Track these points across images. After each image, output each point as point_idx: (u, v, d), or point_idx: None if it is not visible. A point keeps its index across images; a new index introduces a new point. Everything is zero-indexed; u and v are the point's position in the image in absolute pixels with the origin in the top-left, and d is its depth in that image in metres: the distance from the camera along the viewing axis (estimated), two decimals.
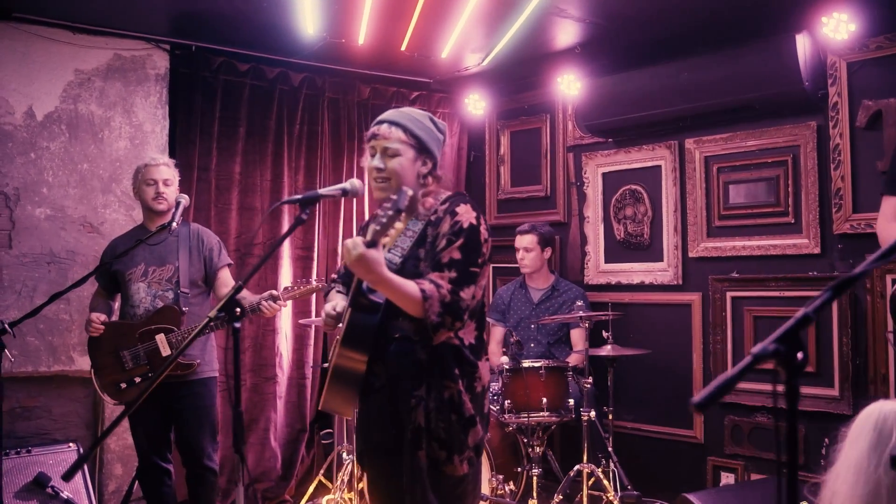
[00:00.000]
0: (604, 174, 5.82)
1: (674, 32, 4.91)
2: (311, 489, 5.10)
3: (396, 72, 6.25)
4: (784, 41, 4.49)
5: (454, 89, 6.59)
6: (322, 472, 5.17)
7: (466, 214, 2.55)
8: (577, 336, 5.33)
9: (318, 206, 5.85)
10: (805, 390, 4.70)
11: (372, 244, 2.26)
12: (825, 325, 4.62)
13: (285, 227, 5.62)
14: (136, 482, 4.22)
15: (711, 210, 5.20)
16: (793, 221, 4.81)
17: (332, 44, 5.29)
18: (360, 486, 4.54)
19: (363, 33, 5.13)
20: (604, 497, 4.59)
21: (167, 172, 4.15)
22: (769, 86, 4.61)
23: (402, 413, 2.52)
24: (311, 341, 5.71)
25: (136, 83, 5.11)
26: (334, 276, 3.03)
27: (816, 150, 4.70)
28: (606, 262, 5.82)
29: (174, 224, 3.87)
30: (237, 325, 2.35)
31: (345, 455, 4.86)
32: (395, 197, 2.23)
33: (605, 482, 4.59)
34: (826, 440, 4.60)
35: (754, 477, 4.93)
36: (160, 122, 5.20)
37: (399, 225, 2.20)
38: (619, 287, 5.69)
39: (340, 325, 2.66)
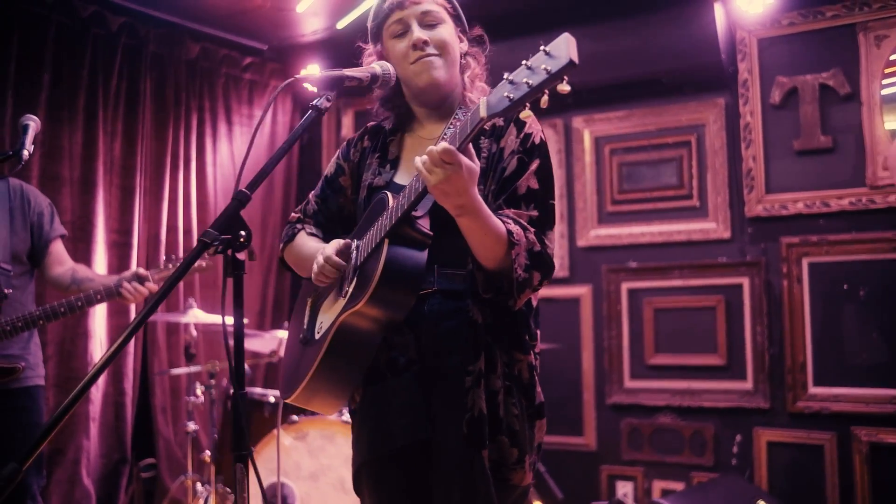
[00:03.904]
0: None
1: None
2: None
3: (231, 30, 5.51)
4: (702, 9, 4.41)
5: (291, 59, 5.94)
6: None
7: (535, 125, 2.06)
8: None
9: (140, 176, 4.92)
10: (714, 384, 4.62)
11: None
12: (736, 313, 4.60)
13: (100, 202, 4.65)
14: None
15: (603, 195, 5.00)
16: (698, 205, 4.72)
17: None
18: None
19: None
20: None
21: None
22: (683, 58, 4.54)
23: (449, 397, 1.91)
24: (132, 347, 4.83)
25: None
26: (297, 214, 2.28)
27: (725, 129, 4.58)
28: None
29: (25, 152, 2.87)
30: (240, 255, 1.61)
31: (198, 488, 3.97)
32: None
33: None
34: (738, 437, 4.45)
35: (657, 484, 4.67)
36: None
37: (545, 98, 1.59)
38: None
39: (348, 273, 1.96)
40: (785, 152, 4.47)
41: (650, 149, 4.91)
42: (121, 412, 4.76)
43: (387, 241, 1.87)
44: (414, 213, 1.87)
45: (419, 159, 1.71)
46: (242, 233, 1.69)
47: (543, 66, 1.54)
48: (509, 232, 1.83)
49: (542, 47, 1.56)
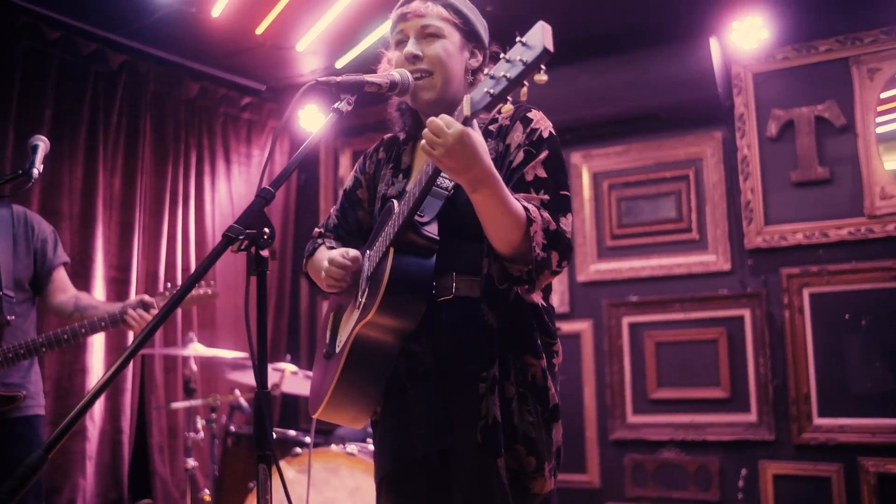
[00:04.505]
0: None
1: (574, 33, 4.70)
2: None
3: (230, 70, 5.57)
4: (698, 45, 4.51)
5: (289, 99, 5.93)
6: None
7: (543, 122, 2.02)
8: None
9: (139, 213, 4.92)
10: (718, 418, 4.58)
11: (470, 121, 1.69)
12: (738, 345, 4.59)
13: (99, 237, 4.64)
14: None
15: (603, 229, 5.03)
16: (697, 238, 4.75)
17: (179, 13, 4.58)
18: None
19: (223, 4, 4.46)
20: None
21: None
22: (680, 93, 4.60)
23: (464, 405, 1.88)
24: (129, 384, 4.78)
25: None
26: (319, 229, 2.28)
27: (723, 163, 4.64)
28: None
29: (35, 171, 2.87)
30: (264, 252, 1.61)
31: None
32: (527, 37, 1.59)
33: None
34: (744, 471, 4.41)
35: None
36: None
37: (524, 90, 1.61)
38: None
39: (362, 284, 1.97)
40: (783, 184, 4.53)
41: (648, 183, 4.96)
42: (118, 451, 4.68)
43: (392, 249, 1.87)
44: (420, 218, 1.88)
45: (422, 143, 1.71)
46: (266, 230, 1.68)
47: (520, 58, 1.56)
48: (525, 209, 1.80)
49: (517, 39, 1.58)
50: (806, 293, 4.41)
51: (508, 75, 1.58)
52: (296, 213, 6.18)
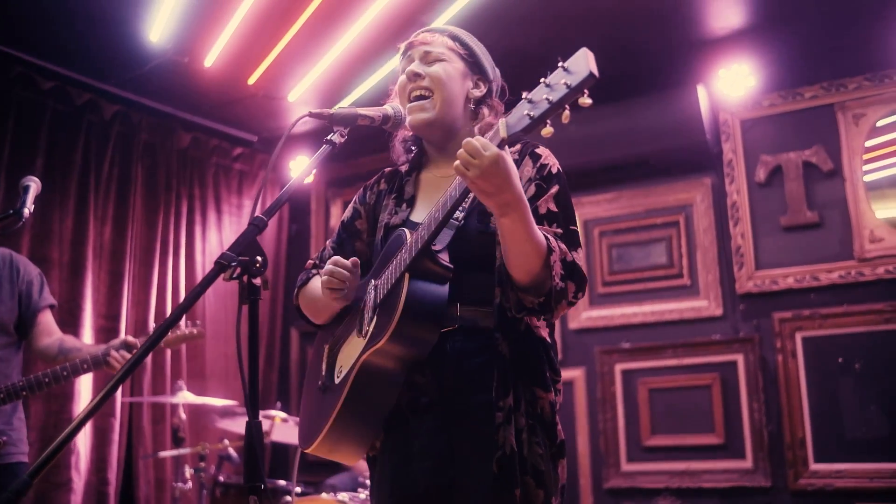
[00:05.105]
0: None
1: None
2: None
3: (222, 121, 5.62)
4: (686, 92, 4.58)
5: (281, 150, 5.96)
6: None
7: (551, 158, 2.05)
8: None
9: (129, 262, 4.92)
10: (713, 464, 4.54)
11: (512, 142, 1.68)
12: (732, 391, 4.58)
13: (89, 286, 4.63)
14: None
15: (594, 276, 5.04)
16: (689, 283, 4.76)
17: (172, 63, 4.64)
18: None
19: (215, 54, 4.48)
20: None
21: None
22: (669, 139, 4.65)
23: (473, 436, 1.86)
24: (116, 435, 4.70)
25: None
26: (313, 260, 2.27)
27: (713, 208, 4.68)
28: None
29: (25, 210, 2.87)
30: (256, 280, 1.61)
31: None
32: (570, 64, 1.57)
33: None
34: None
35: None
36: None
37: (566, 114, 1.59)
38: None
39: (368, 313, 1.94)
40: (772, 229, 4.56)
41: (639, 229, 4.99)
42: (104, 503, 4.59)
43: (407, 275, 1.85)
44: (434, 246, 1.87)
45: (456, 163, 1.70)
46: (259, 258, 1.68)
47: (563, 82, 1.55)
48: (546, 238, 1.80)
49: (560, 64, 1.57)
50: (798, 337, 4.41)
51: (550, 98, 1.56)
52: (286, 262, 6.18)
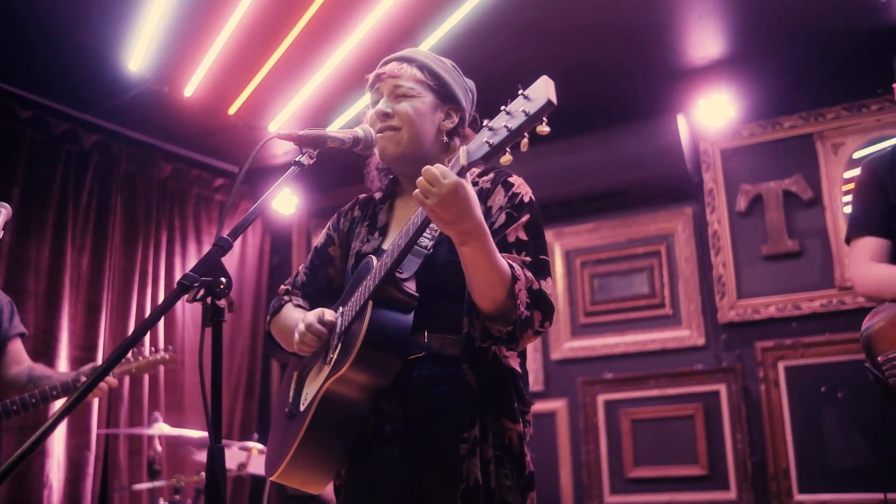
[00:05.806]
0: None
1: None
2: None
3: (203, 151, 5.61)
4: (667, 122, 4.60)
5: (262, 181, 5.98)
6: None
7: (524, 186, 2.02)
8: None
9: (107, 292, 4.87)
10: (697, 496, 4.50)
11: (465, 170, 1.63)
12: (715, 421, 4.56)
13: (65, 317, 4.58)
14: None
15: (576, 307, 5.03)
16: (671, 313, 4.75)
17: (152, 93, 4.63)
18: None
19: (195, 83, 4.49)
20: None
21: None
22: (650, 169, 4.68)
23: (439, 466, 1.85)
24: (91, 468, 4.60)
25: None
26: (286, 286, 2.25)
27: (694, 238, 4.68)
28: None
29: None
30: (220, 302, 1.58)
31: None
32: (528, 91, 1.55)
33: None
34: None
35: None
36: None
37: (524, 142, 1.57)
38: None
39: (333, 340, 1.93)
40: (754, 258, 4.57)
41: (621, 259, 4.99)
42: None
43: (371, 302, 1.83)
44: (399, 274, 1.85)
45: (416, 192, 1.68)
46: (223, 279, 1.65)
47: (522, 109, 1.54)
48: (511, 266, 1.78)
49: (520, 91, 1.57)
50: (781, 366, 4.40)
51: (509, 126, 1.55)
52: (268, 294, 6.12)
